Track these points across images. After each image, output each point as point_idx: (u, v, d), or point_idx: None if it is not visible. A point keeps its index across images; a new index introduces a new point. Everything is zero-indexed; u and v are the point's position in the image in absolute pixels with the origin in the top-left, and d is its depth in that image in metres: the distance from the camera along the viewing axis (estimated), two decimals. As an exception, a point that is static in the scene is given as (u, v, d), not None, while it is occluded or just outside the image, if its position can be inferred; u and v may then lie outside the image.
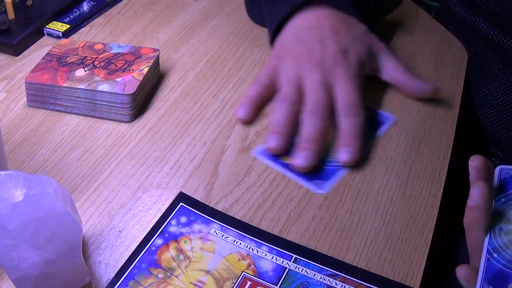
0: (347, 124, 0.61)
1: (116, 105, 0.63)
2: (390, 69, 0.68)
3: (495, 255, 0.45)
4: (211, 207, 0.54)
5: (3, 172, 0.44)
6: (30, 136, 0.62)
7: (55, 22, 0.77)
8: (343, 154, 0.59)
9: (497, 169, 0.49)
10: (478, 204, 0.47)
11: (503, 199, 0.48)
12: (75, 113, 0.65)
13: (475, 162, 0.48)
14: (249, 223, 0.53)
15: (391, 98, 0.68)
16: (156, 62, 0.69)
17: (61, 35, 0.76)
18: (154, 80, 0.69)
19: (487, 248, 0.45)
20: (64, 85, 0.63)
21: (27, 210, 0.43)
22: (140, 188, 0.57)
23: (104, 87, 0.63)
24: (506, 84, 0.71)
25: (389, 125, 0.65)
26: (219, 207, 0.55)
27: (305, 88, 0.63)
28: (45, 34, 0.77)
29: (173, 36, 0.78)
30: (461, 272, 0.46)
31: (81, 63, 0.66)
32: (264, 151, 0.60)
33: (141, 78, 0.64)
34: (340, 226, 0.54)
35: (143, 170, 0.58)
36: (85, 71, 0.65)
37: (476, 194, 0.47)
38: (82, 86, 0.63)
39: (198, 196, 0.56)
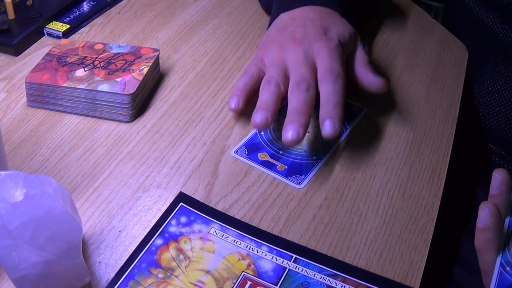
0: (327, 90, 0.59)
1: (116, 105, 0.63)
2: (357, 59, 0.66)
3: (508, 268, 0.44)
4: (211, 207, 0.54)
5: (3, 172, 0.44)
6: (30, 136, 0.62)
7: (55, 22, 0.77)
8: (325, 127, 0.56)
9: None
10: (488, 226, 0.46)
11: None
12: (75, 113, 0.65)
13: (499, 174, 0.49)
14: (249, 223, 0.53)
15: (392, 99, 0.68)
16: (156, 62, 0.69)
17: (61, 35, 0.76)
18: (154, 80, 0.69)
19: (500, 261, 0.45)
20: (64, 85, 0.63)
21: (27, 210, 0.43)
22: (140, 188, 0.57)
23: (104, 87, 0.63)
24: None
25: (360, 116, 0.65)
26: (219, 207, 0.55)
27: (288, 68, 0.62)
28: (45, 34, 0.77)
29: (173, 36, 0.78)
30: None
31: (81, 63, 0.66)
32: (241, 149, 0.61)
33: (141, 78, 0.64)
34: (340, 226, 0.54)
35: (143, 170, 0.58)
36: (85, 71, 0.65)
37: (485, 215, 0.46)
38: (82, 86, 0.63)
39: (198, 196, 0.56)
